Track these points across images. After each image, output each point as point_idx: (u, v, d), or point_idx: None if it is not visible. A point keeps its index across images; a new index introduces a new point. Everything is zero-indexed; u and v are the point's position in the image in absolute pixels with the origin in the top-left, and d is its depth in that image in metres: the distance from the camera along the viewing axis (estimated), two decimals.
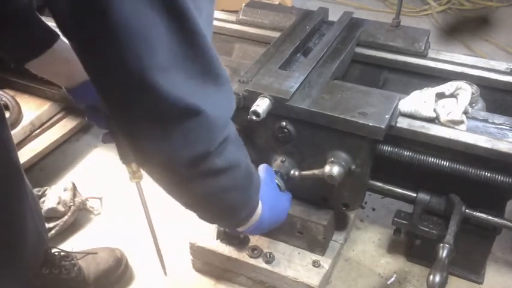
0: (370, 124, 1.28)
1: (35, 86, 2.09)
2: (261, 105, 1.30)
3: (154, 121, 0.80)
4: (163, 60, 0.73)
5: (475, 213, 1.43)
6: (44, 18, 1.18)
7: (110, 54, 0.72)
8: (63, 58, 1.17)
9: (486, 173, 1.34)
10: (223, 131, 0.87)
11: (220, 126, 0.86)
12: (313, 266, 1.58)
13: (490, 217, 1.42)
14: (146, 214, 1.52)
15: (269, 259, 1.58)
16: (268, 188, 1.22)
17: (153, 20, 0.70)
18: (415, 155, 1.39)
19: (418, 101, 1.39)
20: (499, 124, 1.39)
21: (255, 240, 1.64)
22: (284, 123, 1.39)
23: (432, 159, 1.38)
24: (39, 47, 1.16)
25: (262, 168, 1.29)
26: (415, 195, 1.49)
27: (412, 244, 1.72)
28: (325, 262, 1.60)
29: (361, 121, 1.28)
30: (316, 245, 1.60)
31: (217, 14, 1.99)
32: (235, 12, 1.98)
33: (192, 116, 0.79)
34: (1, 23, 1.08)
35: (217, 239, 1.63)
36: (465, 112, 1.38)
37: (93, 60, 0.76)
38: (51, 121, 2.13)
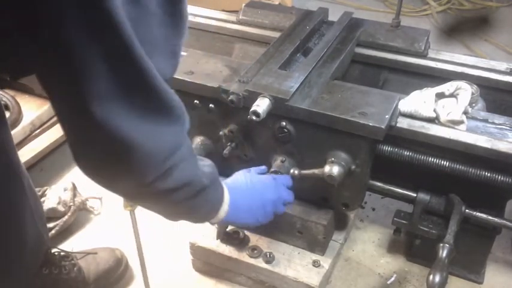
0: (370, 124, 1.28)
1: (35, 86, 2.09)
2: (261, 105, 1.30)
3: (94, 148, 0.82)
4: (102, 89, 0.73)
5: (474, 213, 1.43)
6: None
7: (58, 81, 0.75)
8: None
9: (486, 173, 1.34)
10: (162, 164, 0.87)
11: (158, 161, 0.86)
12: (313, 265, 1.58)
13: (489, 217, 1.43)
14: (137, 243, 1.49)
15: (269, 259, 1.59)
16: (235, 179, 1.33)
17: (94, 50, 0.70)
18: (415, 155, 1.39)
19: (418, 101, 1.39)
20: (499, 124, 1.39)
21: (255, 240, 1.65)
22: (284, 123, 1.39)
23: (432, 159, 1.38)
24: (32, 65, 1.15)
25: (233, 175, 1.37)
26: (415, 195, 1.49)
27: (412, 244, 1.72)
28: (325, 262, 1.60)
29: (361, 121, 1.29)
30: (316, 244, 1.60)
31: (217, 14, 2.00)
32: (236, 12, 1.98)
33: (126, 150, 0.80)
34: None
35: (217, 239, 1.63)
36: (465, 112, 1.38)
37: (46, 87, 0.78)
38: (51, 121, 2.12)
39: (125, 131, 0.78)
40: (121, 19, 0.69)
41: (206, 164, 1.11)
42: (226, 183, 1.26)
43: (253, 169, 1.39)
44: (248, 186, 1.31)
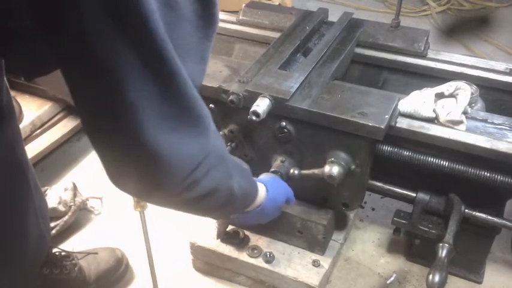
0: (370, 124, 1.28)
1: (35, 86, 2.09)
2: (261, 105, 1.31)
3: (123, 160, 0.80)
4: (134, 97, 0.71)
5: (474, 213, 1.43)
6: None
7: (87, 88, 0.73)
8: None
9: (485, 173, 1.35)
10: (188, 176, 0.84)
11: (185, 173, 0.83)
12: (313, 265, 1.59)
13: (489, 217, 1.43)
14: (146, 244, 1.49)
15: (269, 259, 1.59)
16: (273, 181, 1.35)
17: (129, 57, 0.68)
18: (415, 155, 1.40)
19: (418, 101, 1.40)
20: (498, 124, 1.39)
21: (255, 240, 1.65)
22: (284, 123, 1.39)
23: (432, 159, 1.38)
24: (46, 65, 1.13)
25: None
26: (414, 195, 1.49)
27: (411, 244, 1.72)
28: (325, 262, 1.60)
29: (360, 121, 1.29)
30: (316, 244, 1.60)
31: None
32: (236, 12, 1.99)
33: (152, 160, 0.78)
34: (3, 38, 1.06)
35: (217, 239, 1.63)
36: (464, 112, 1.39)
37: (73, 93, 0.75)
38: (51, 121, 2.13)
39: (153, 139, 0.75)
40: (156, 24, 0.67)
41: (242, 169, 1.10)
42: (265, 180, 1.31)
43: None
44: (280, 192, 1.36)
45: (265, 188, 1.28)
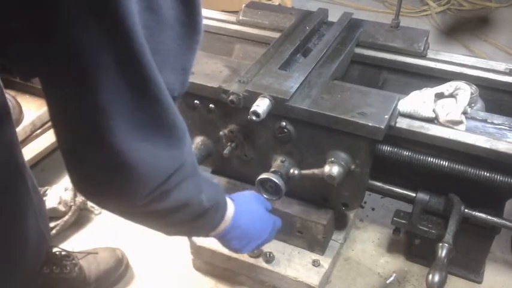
0: (370, 124, 1.28)
1: (36, 86, 2.09)
2: (261, 105, 1.31)
3: (85, 161, 0.77)
4: (105, 99, 0.69)
5: (474, 212, 1.43)
6: None
7: (60, 86, 0.71)
8: None
9: (485, 173, 1.35)
10: (157, 187, 0.81)
11: (153, 184, 0.80)
12: (313, 265, 1.59)
13: (489, 217, 1.43)
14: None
15: (269, 258, 1.59)
16: (247, 205, 1.25)
17: (103, 57, 0.66)
18: (415, 155, 1.40)
19: (417, 101, 1.40)
20: (498, 124, 1.39)
21: None
22: (284, 123, 1.39)
23: (431, 159, 1.38)
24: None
25: (248, 192, 1.33)
26: (414, 195, 1.49)
27: (411, 244, 1.72)
28: (325, 261, 1.60)
29: (360, 121, 1.29)
30: (316, 244, 1.61)
31: (217, 14, 2.00)
32: (235, 12, 1.99)
33: (119, 166, 0.74)
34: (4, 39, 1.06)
35: None
36: (464, 112, 1.39)
37: (46, 89, 0.74)
38: None
39: (123, 146, 0.72)
40: (133, 26, 0.65)
41: (212, 184, 1.06)
42: (236, 202, 1.19)
43: (263, 200, 1.35)
44: (255, 216, 1.26)
45: (233, 209, 1.16)
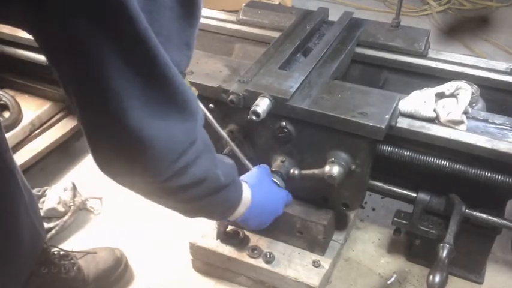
0: (370, 124, 1.28)
1: (35, 86, 2.08)
2: (261, 105, 1.30)
3: (108, 143, 0.82)
4: (117, 83, 0.73)
5: (475, 213, 1.43)
6: None
7: (71, 74, 0.75)
8: None
9: (486, 173, 1.34)
10: (176, 162, 0.85)
11: (172, 159, 0.85)
12: (313, 266, 1.58)
13: (490, 217, 1.42)
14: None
15: (269, 259, 1.59)
16: (260, 184, 1.30)
17: (108, 44, 0.69)
18: (415, 155, 1.39)
19: (418, 101, 1.39)
20: (499, 124, 1.39)
21: (255, 240, 1.65)
22: (284, 123, 1.39)
23: (432, 159, 1.38)
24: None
25: (255, 168, 1.37)
26: (415, 195, 1.49)
27: (412, 244, 1.72)
28: (325, 262, 1.60)
29: (361, 121, 1.28)
30: (316, 244, 1.60)
31: (217, 14, 2.00)
32: (235, 12, 1.98)
33: (139, 146, 0.79)
34: None
35: (217, 239, 1.63)
36: (465, 112, 1.38)
37: (60, 77, 0.78)
38: (51, 121, 2.12)
39: (138, 125, 0.77)
40: (136, 12, 0.68)
41: (226, 163, 1.10)
42: (250, 183, 1.25)
43: (269, 172, 1.39)
44: (269, 193, 1.32)
45: (250, 191, 1.22)
